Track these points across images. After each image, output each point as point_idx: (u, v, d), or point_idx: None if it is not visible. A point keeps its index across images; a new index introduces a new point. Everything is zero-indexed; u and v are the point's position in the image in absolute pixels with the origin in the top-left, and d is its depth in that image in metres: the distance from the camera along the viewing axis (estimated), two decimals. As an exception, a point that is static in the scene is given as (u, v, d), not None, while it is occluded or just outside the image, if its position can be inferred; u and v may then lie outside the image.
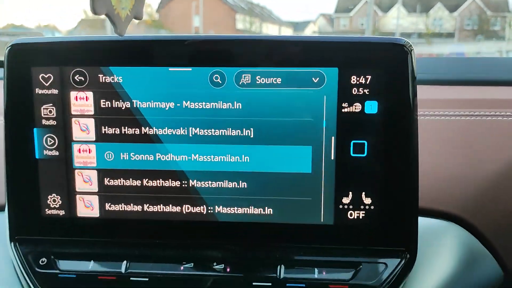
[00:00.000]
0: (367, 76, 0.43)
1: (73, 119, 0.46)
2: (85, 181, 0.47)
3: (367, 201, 0.45)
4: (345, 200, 0.45)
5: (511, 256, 0.53)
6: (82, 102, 0.45)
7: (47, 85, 0.45)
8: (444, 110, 0.61)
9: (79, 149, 0.46)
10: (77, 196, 0.47)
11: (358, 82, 0.43)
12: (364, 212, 0.45)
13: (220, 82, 0.44)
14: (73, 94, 0.45)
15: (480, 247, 0.52)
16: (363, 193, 0.45)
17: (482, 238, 0.52)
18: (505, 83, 0.72)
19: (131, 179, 0.47)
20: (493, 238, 0.52)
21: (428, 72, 0.73)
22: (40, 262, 0.47)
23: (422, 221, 0.46)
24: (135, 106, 0.45)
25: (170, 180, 0.46)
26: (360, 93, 0.43)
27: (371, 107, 0.44)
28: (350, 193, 0.45)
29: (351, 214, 0.45)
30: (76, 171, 0.47)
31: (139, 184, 0.47)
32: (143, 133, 0.45)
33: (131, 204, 0.47)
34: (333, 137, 0.44)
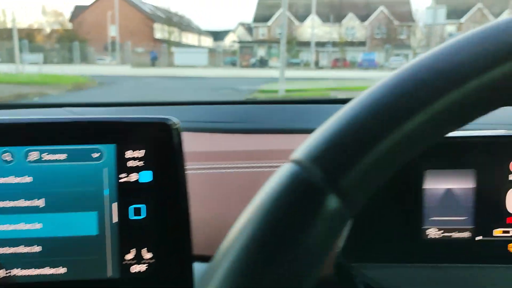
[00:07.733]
0: (141, 150, 0.51)
1: None
2: None
3: (148, 255, 0.53)
4: (128, 256, 0.52)
5: None
6: None
7: None
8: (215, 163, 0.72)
9: None
10: None
11: (133, 156, 0.51)
12: (146, 265, 0.53)
13: (12, 159, 0.50)
14: None
15: None
16: (145, 249, 0.52)
17: None
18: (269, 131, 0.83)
19: None
20: None
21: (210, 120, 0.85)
22: None
23: (199, 266, 0.54)
24: None
25: None
26: (135, 165, 0.51)
27: (146, 176, 0.51)
28: (134, 249, 0.52)
29: (134, 268, 0.53)
30: None
31: None
32: None
33: None
34: (114, 203, 0.51)
